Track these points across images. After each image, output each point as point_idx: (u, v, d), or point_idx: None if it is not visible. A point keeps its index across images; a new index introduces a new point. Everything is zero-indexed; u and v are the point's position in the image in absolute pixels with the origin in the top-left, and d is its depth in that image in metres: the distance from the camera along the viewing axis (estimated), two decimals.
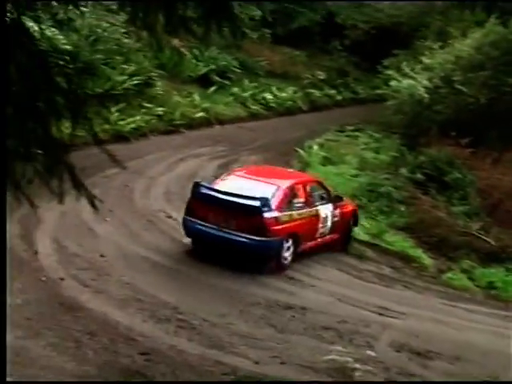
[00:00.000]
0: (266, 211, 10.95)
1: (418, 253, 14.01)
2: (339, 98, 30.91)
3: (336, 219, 12.82)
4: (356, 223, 13.80)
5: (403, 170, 17.09)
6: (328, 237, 12.79)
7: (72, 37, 18.62)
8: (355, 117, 25.48)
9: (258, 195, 11.15)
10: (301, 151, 19.70)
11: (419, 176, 16.70)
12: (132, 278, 10.30)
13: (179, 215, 12.36)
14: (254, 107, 25.40)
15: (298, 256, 11.84)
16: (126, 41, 21.31)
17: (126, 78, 20.14)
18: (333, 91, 30.68)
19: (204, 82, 24.35)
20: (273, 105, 26.41)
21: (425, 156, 17.37)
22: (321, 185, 13.03)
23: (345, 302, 10.83)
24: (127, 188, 15.09)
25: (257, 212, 10.89)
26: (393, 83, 20.72)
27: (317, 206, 12.33)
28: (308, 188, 12.40)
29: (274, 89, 27.27)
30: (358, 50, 32.25)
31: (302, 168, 17.35)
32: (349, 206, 13.64)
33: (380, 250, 13.85)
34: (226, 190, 11.28)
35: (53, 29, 17.27)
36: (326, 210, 12.54)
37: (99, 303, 9.30)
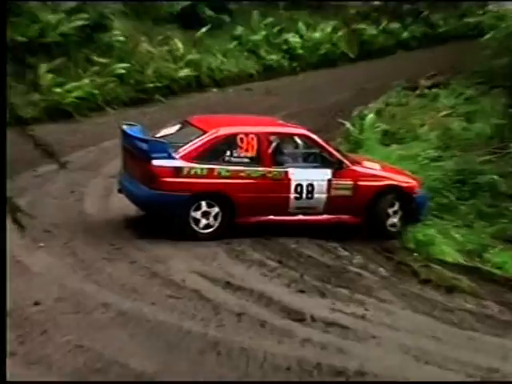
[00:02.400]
0: (158, 157, 13.17)
1: None
2: (406, 35, 30.93)
3: (342, 193, 14.37)
4: (412, 209, 14.83)
5: None
6: (326, 216, 14.42)
7: None
8: (433, 65, 25.45)
9: (179, 141, 13.67)
10: (348, 124, 19.69)
11: None
12: (85, 336, 10.28)
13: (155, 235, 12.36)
14: (270, 57, 25.49)
15: (250, 230, 13.95)
16: None
17: (62, 17, 20.20)
18: (395, 25, 30.70)
19: (189, 19, 24.41)
20: (300, 52, 26.47)
21: None
22: (311, 141, 14.51)
23: (426, 361, 10.76)
24: (73, 194, 15.13)
25: (145, 157, 13.25)
26: (491, 6, 20.62)
27: (285, 167, 14.07)
28: (271, 142, 14.08)
29: (301, 26, 27.29)
30: None
31: (351, 150, 17.32)
32: (379, 177, 14.80)
33: (481, 277, 13.82)
34: (135, 135, 13.75)
35: None
36: (307, 176, 14.15)
37: (32, 380, 9.28)
